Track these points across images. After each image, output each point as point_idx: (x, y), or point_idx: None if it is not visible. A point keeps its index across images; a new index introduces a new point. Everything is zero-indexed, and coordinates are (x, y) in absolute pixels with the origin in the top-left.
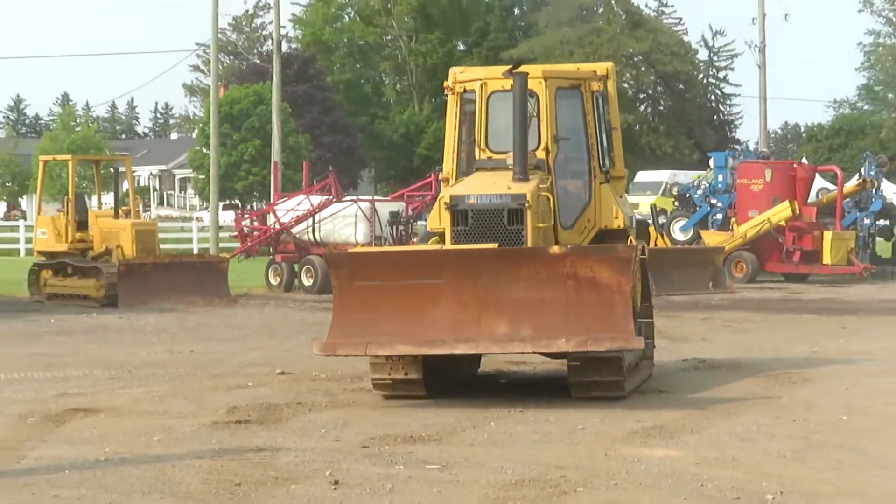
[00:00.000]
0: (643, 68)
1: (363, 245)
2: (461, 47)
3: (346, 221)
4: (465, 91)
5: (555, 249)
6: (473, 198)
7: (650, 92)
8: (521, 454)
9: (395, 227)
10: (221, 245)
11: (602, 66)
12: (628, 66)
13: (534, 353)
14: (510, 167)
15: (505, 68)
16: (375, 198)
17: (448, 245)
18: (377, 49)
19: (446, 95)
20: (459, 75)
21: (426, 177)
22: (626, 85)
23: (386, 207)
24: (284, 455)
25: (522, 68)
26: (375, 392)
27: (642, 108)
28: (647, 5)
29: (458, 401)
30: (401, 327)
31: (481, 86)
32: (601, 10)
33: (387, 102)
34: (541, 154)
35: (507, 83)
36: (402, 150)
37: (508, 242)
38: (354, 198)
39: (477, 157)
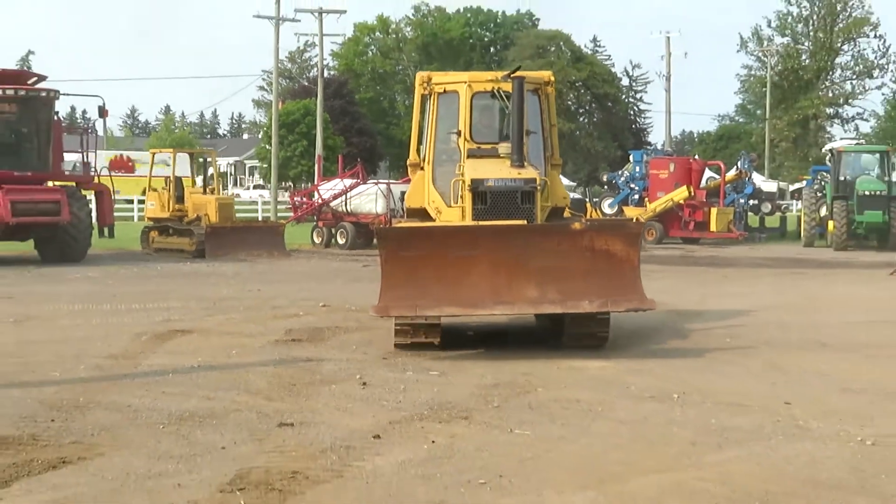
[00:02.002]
0: (582, 91)
1: (382, 215)
2: None
3: (369, 198)
4: (444, 91)
5: (576, 225)
6: (492, 181)
7: (587, 108)
8: (497, 367)
9: (404, 202)
10: (279, 214)
11: (546, 74)
12: (572, 89)
13: (562, 312)
14: (503, 155)
15: (453, 74)
16: (391, 181)
17: (468, 221)
18: (392, 76)
19: (426, 94)
20: (437, 78)
21: None
22: (569, 102)
23: (399, 188)
24: (326, 364)
25: (517, 73)
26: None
27: (582, 119)
28: (585, 45)
29: (449, 339)
30: (444, 292)
31: (467, 87)
32: (553, 48)
33: (398, 114)
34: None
35: (489, 85)
36: (408, 148)
37: (520, 219)
38: (376, 181)
39: (461, 148)
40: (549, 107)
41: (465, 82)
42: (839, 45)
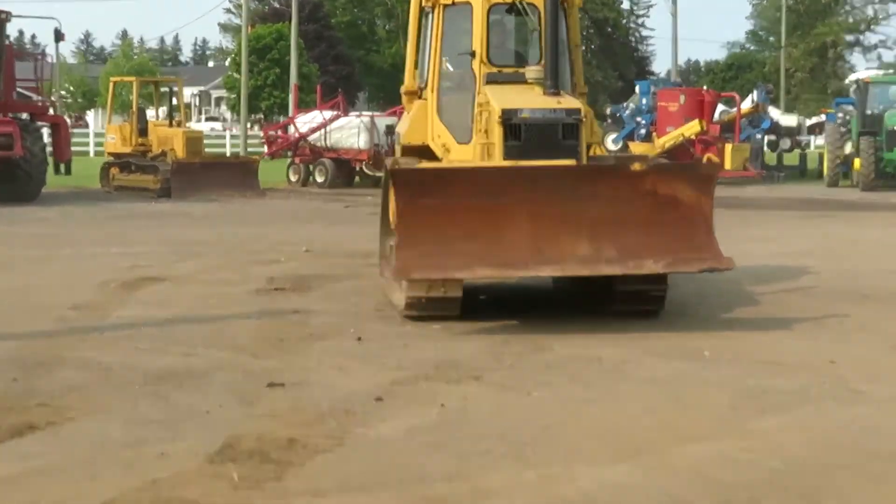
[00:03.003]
0: (580, 16)
1: (365, 151)
2: None
3: (351, 132)
4: (453, 3)
5: (636, 166)
6: (526, 112)
7: (584, 34)
8: (506, 319)
9: (389, 137)
10: (249, 149)
11: None
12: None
13: (623, 274)
14: (531, 81)
15: None
16: (375, 113)
17: (499, 160)
18: None
19: (427, 7)
20: None
21: None
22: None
23: (383, 121)
24: (315, 317)
25: None
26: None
27: None
28: None
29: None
30: (476, 248)
31: None
32: None
33: (379, 39)
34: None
35: None
36: (390, 77)
37: (562, 158)
38: (358, 113)
39: (476, 72)
40: (574, 24)
41: None
42: None
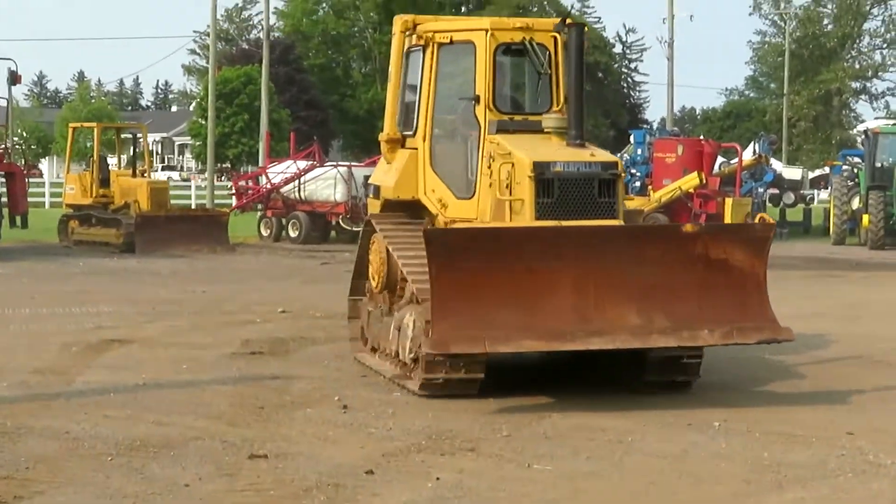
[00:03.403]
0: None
1: (342, 204)
2: None
3: (326, 183)
4: (451, 42)
5: (688, 228)
6: (560, 165)
7: None
8: (500, 386)
9: (368, 189)
10: (216, 201)
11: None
12: None
13: (678, 346)
14: (548, 130)
15: (459, 19)
16: (353, 163)
17: (529, 220)
18: (347, 38)
19: (419, 46)
20: (432, 24)
21: None
22: None
23: (361, 172)
24: (296, 382)
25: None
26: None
27: None
28: (572, 6)
29: None
30: (518, 317)
31: (489, 36)
32: (535, 8)
33: (354, 83)
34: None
35: (517, 35)
36: (366, 124)
37: (598, 217)
38: (335, 163)
39: (480, 119)
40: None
41: (486, 30)
42: (868, 7)
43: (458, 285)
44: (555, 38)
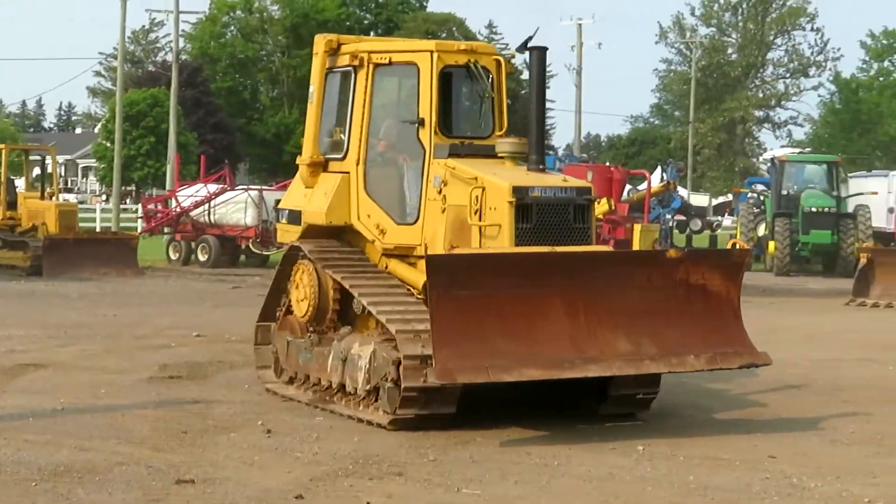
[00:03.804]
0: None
1: (252, 228)
2: None
3: (237, 206)
4: (390, 63)
5: (672, 253)
6: (538, 190)
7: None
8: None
9: (279, 213)
10: (122, 224)
11: (492, 48)
12: None
13: (669, 372)
14: (502, 155)
15: (395, 40)
16: (264, 187)
17: (508, 245)
18: (255, 62)
19: (350, 67)
20: (366, 45)
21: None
22: None
23: (272, 196)
24: (218, 407)
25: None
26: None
27: None
28: (479, 32)
29: None
30: (517, 346)
31: (434, 58)
32: (444, 34)
33: (261, 107)
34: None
35: (461, 58)
36: (273, 148)
37: (574, 242)
38: (246, 187)
39: (425, 143)
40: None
41: (431, 51)
42: (771, 38)
43: (458, 313)
44: (497, 62)
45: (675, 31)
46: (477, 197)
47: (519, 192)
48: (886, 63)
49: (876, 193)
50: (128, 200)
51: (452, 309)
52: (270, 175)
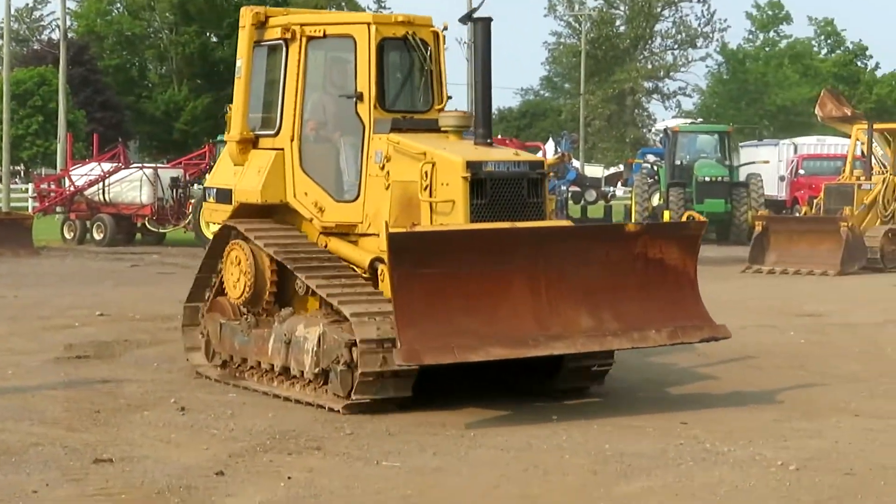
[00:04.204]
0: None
1: (148, 206)
2: (214, 39)
3: (132, 185)
4: (324, 36)
5: (630, 227)
6: (491, 165)
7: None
8: None
9: (174, 191)
10: (13, 205)
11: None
12: None
13: (632, 348)
14: (445, 129)
15: (324, 13)
16: (158, 165)
17: (463, 221)
18: (142, 39)
19: (279, 40)
20: (299, 17)
21: (190, 148)
22: None
23: (167, 173)
24: (128, 385)
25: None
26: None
27: None
28: (368, 7)
29: None
30: (481, 324)
31: (372, 30)
32: (333, 8)
33: (150, 84)
34: (437, 115)
35: (399, 30)
36: (163, 125)
37: (529, 218)
38: (140, 164)
39: (364, 118)
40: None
41: (368, 24)
42: (659, 10)
43: (421, 293)
44: (435, 34)
45: (564, 4)
46: (426, 172)
47: (473, 166)
48: (772, 33)
49: (767, 162)
50: (17, 180)
51: (416, 288)
52: (161, 153)
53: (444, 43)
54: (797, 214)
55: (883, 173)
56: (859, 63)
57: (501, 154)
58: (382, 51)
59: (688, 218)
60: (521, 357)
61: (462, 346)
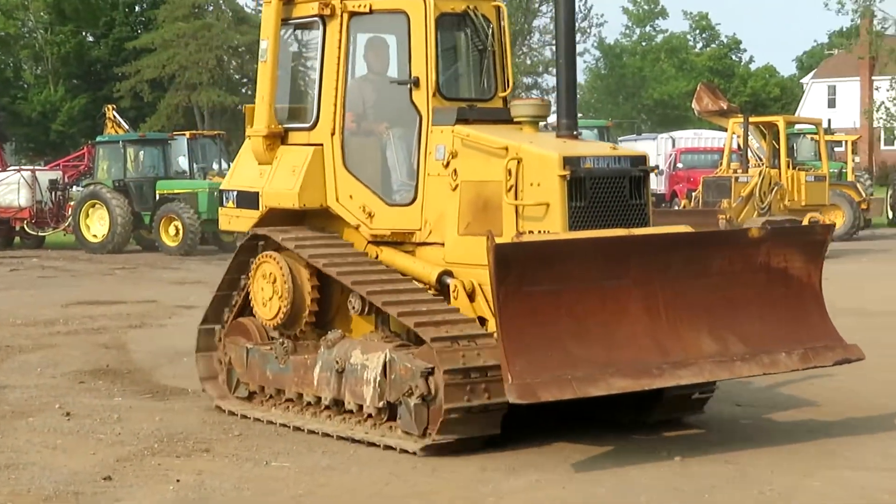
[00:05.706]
0: (248, 58)
1: (27, 209)
2: (90, 38)
3: (9, 188)
4: (370, 11)
5: (754, 232)
6: (590, 161)
7: (252, 78)
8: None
9: (53, 193)
10: None
11: None
12: (235, 56)
13: (763, 374)
14: (519, 119)
15: None
16: (36, 167)
17: (561, 230)
18: (17, 39)
19: (314, 17)
20: None
21: (67, 149)
22: (231, 72)
23: (45, 175)
24: (11, 392)
25: None
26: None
27: (246, 91)
28: (247, 6)
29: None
30: (597, 351)
31: (429, 5)
32: (211, 8)
33: (26, 85)
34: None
35: (459, 4)
36: (40, 126)
37: (632, 224)
38: (18, 167)
39: (422, 108)
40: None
41: None
42: (536, 5)
43: (530, 315)
44: (497, 8)
45: None
46: (511, 171)
47: (571, 162)
48: (648, 28)
49: None
50: None
51: (523, 311)
52: (38, 154)
53: (508, 20)
54: (676, 208)
55: (759, 166)
56: (734, 57)
57: (598, 148)
58: (438, 28)
59: (809, 220)
60: (646, 389)
61: (580, 379)
